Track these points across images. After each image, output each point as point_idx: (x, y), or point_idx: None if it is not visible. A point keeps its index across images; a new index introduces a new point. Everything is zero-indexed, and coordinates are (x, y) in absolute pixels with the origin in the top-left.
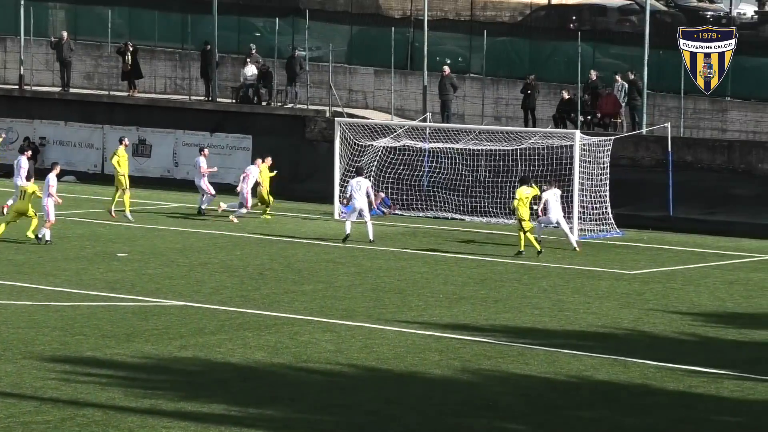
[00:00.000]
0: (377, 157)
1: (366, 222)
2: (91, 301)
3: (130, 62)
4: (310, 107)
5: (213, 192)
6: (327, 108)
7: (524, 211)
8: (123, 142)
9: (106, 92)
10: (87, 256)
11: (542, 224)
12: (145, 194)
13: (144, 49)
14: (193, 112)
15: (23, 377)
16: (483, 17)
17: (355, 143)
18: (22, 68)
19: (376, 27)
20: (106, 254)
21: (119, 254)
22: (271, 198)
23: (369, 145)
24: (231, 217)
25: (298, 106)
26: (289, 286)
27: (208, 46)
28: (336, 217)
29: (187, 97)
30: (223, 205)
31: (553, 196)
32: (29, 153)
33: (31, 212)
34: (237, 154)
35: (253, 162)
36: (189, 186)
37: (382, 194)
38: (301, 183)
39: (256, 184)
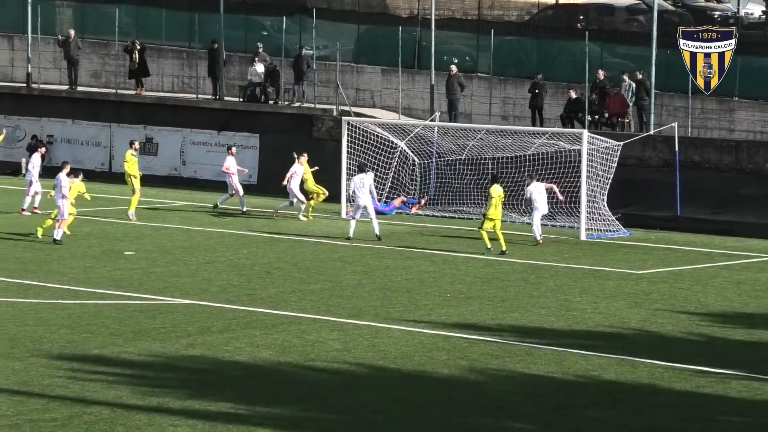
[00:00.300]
0: (396, 158)
1: (371, 219)
2: (98, 299)
3: (137, 60)
4: (318, 106)
5: (242, 192)
6: (334, 107)
7: (497, 210)
8: (132, 146)
9: (114, 90)
10: (94, 254)
11: (536, 220)
12: (152, 192)
13: (151, 48)
14: (201, 111)
15: (31, 375)
16: (490, 16)
17: (372, 141)
18: (29, 66)
19: (383, 26)
20: (113, 252)
21: (126, 252)
22: (317, 193)
23: (393, 145)
24: (300, 216)
25: (306, 104)
26: (296, 285)
27: (215, 45)
28: (343, 216)
29: (195, 95)
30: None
31: (536, 189)
32: (43, 150)
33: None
34: (245, 153)
35: (296, 160)
36: (196, 184)
37: (404, 197)
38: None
39: (302, 181)
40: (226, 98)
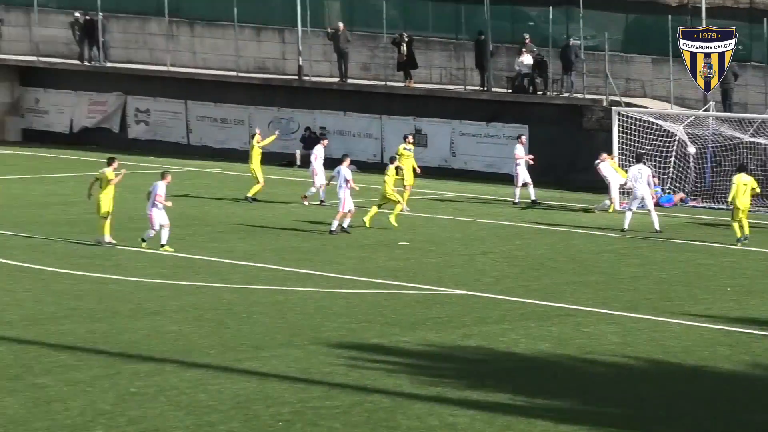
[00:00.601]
0: (674, 149)
1: (650, 211)
2: (374, 289)
3: (405, 53)
4: (587, 96)
5: (523, 181)
6: (604, 97)
7: (744, 200)
8: (406, 140)
9: (383, 83)
10: (369, 245)
11: None
12: (423, 184)
13: (419, 40)
14: (469, 102)
15: (312, 363)
16: (762, 5)
17: (644, 131)
18: (300, 59)
19: (652, 15)
20: (387, 243)
21: (401, 243)
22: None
23: (668, 135)
24: (594, 208)
25: (575, 95)
26: (570, 277)
27: (482, 36)
28: (617, 207)
29: (463, 87)
30: (610, 204)
31: None
32: (326, 142)
33: (394, 196)
34: (514, 144)
35: (598, 158)
36: (466, 175)
37: (682, 194)
38: (579, 173)
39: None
40: (494, 89)
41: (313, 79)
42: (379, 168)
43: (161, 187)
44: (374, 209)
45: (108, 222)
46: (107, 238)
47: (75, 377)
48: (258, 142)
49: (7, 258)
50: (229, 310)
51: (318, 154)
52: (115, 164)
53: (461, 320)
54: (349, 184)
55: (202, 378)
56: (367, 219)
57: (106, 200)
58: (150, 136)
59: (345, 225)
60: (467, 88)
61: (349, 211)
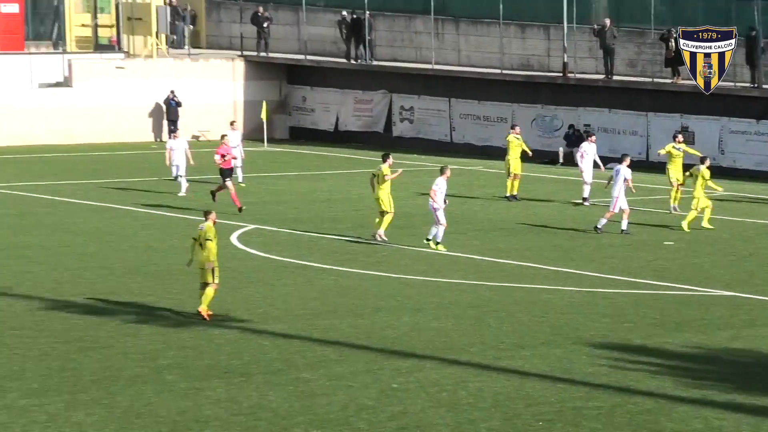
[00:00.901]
0: None
1: None
2: (638, 289)
3: (673, 49)
4: None
5: None
6: None
7: None
8: (676, 139)
9: (650, 79)
10: (633, 244)
11: None
12: (689, 181)
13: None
14: (739, 99)
15: (573, 363)
16: None
17: None
18: (565, 56)
19: None
20: (651, 242)
21: (666, 242)
22: None
23: None
24: None
25: None
26: None
27: (754, 32)
28: None
29: (733, 83)
30: None
31: None
32: (593, 138)
33: (704, 201)
34: None
35: None
36: (735, 174)
37: None
38: None
39: None
40: (764, 86)
41: (578, 75)
42: (644, 166)
43: (440, 183)
44: (693, 214)
45: (386, 219)
46: (380, 233)
47: (337, 372)
48: (517, 136)
49: (273, 254)
50: (490, 307)
51: (584, 151)
52: (390, 160)
53: (728, 322)
54: (627, 184)
55: (463, 375)
56: (685, 224)
57: (385, 196)
58: (413, 134)
59: (624, 227)
60: (737, 84)
61: (621, 210)
